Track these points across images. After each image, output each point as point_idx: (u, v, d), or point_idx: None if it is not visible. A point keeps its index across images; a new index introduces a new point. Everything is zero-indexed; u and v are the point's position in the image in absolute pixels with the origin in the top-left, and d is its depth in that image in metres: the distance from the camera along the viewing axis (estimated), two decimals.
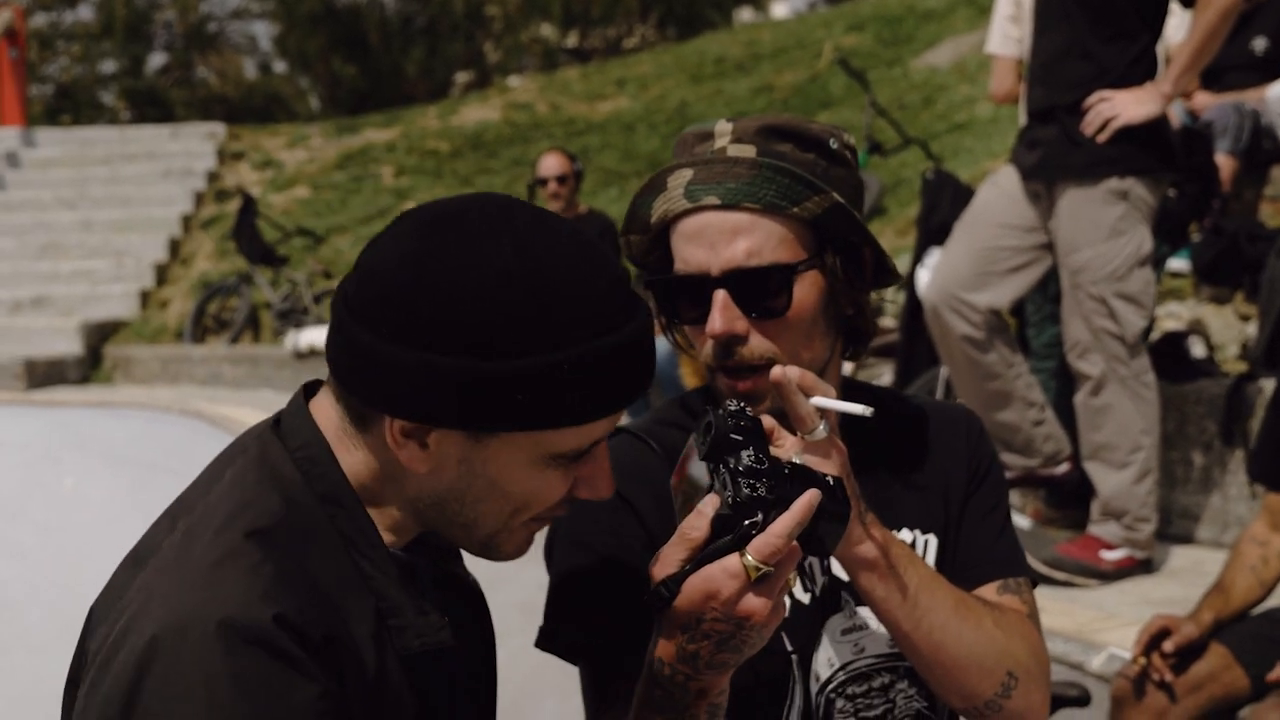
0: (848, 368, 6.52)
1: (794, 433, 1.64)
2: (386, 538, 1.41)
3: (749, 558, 1.42)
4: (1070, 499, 5.09)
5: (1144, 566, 4.66)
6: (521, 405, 1.30)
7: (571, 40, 27.57)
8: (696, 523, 1.45)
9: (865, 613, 1.78)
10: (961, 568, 1.85)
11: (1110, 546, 4.63)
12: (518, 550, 1.45)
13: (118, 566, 1.44)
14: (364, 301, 1.33)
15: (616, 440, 1.85)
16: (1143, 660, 3.27)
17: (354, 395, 1.36)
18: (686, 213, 1.72)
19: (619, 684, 1.72)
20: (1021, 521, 4.83)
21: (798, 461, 1.54)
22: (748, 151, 1.72)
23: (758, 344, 1.72)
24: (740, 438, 1.47)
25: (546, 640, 1.78)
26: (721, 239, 1.70)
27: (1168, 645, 3.24)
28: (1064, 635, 4.02)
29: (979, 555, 1.87)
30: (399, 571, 1.39)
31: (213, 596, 1.26)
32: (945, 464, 1.90)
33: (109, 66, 29.06)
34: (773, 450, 1.56)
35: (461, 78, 27.29)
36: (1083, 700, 2.91)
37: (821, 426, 1.63)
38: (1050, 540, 4.79)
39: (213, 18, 29.82)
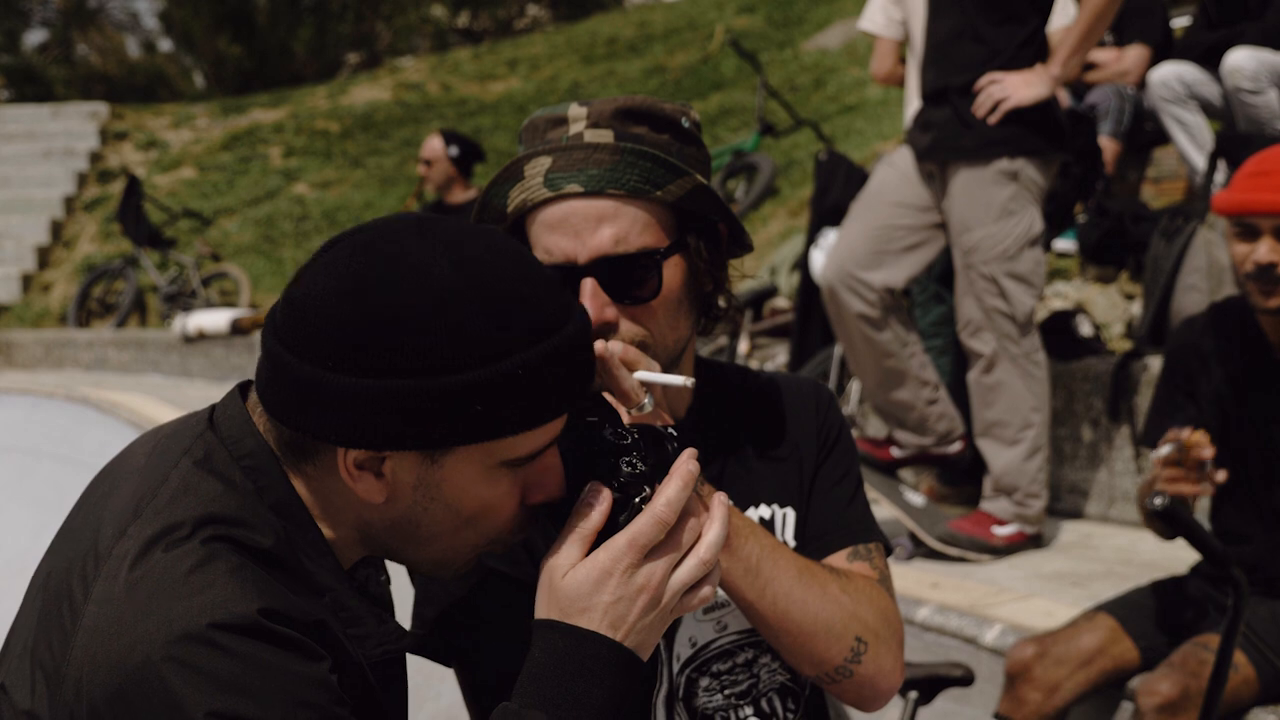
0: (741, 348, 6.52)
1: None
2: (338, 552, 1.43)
3: None
4: (963, 476, 5.16)
5: (1034, 541, 4.74)
6: (477, 417, 1.32)
7: (462, 20, 27.36)
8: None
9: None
10: (813, 537, 1.86)
11: (1001, 522, 4.70)
12: (467, 567, 1.46)
13: (45, 564, 1.40)
14: (304, 335, 1.32)
15: None
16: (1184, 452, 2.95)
17: (299, 431, 1.35)
18: (547, 201, 1.70)
19: (492, 681, 1.76)
20: (915, 498, 4.89)
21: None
22: (605, 136, 1.70)
23: (627, 330, 1.71)
24: (595, 418, 1.48)
25: (418, 647, 1.80)
26: (586, 227, 1.68)
27: (1199, 435, 2.94)
28: (958, 610, 4.08)
29: (829, 524, 1.88)
30: (352, 583, 1.41)
31: (199, 604, 1.25)
32: (797, 437, 1.91)
33: None
34: None
35: (352, 58, 26.96)
36: (966, 680, 2.94)
37: (647, 400, 1.63)
38: (943, 517, 4.85)
39: None
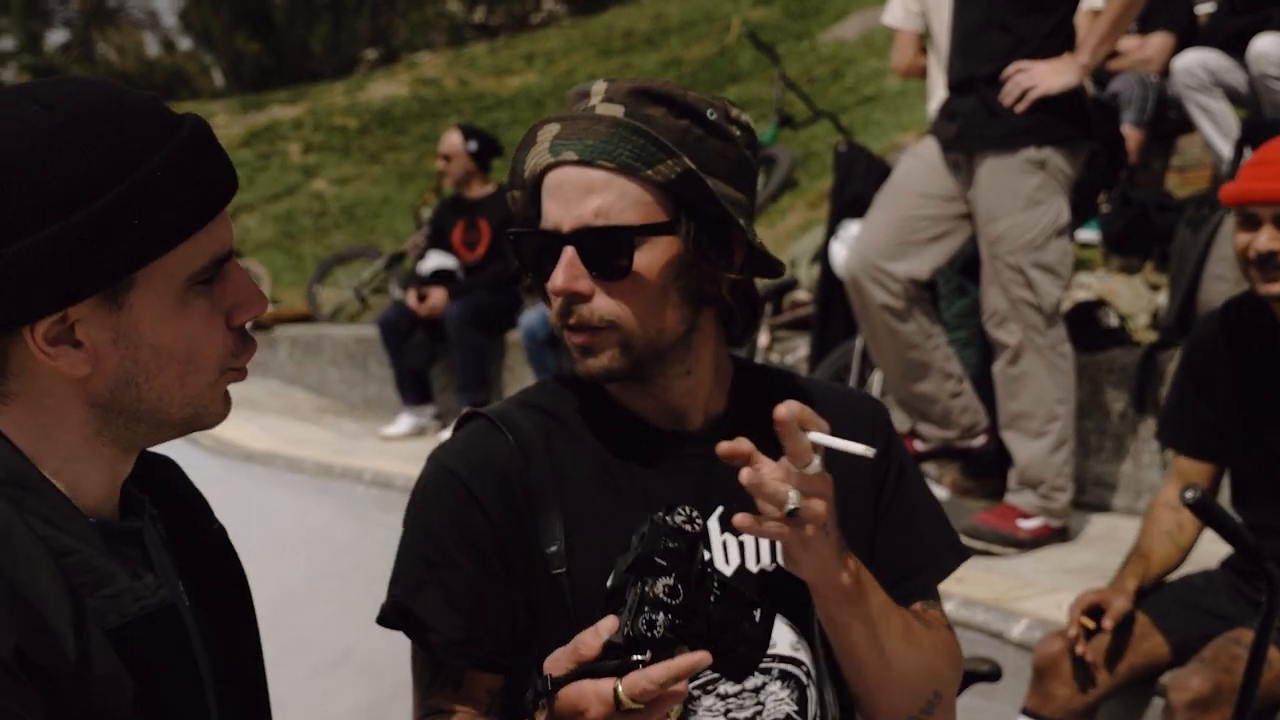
0: (763, 339, 6.50)
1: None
2: (87, 504, 1.35)
3: (620, 689, 1.45)
4: (987, 469, 5.12)
5: (1060, 535, 4.70)
6: (136, 233, 1.28)
7: (478, 15, 27.36)
8: (591, 640, 1.47)
9: None
10: (896, 578, 1.81)
11: (1027, 515, 4.66)
12: (224, 408, 1.42)
13: None
14: None
15: (472, 426, 1.83)
16: (1073, 633, 3.27)
17: None
18: (550, 167, 1.70)
19: (448, 668, 1.76)
20: (939, 492, 4.85)
21: (725, 574, 1.56)
22: (615, 111, 1.69)
23: (601, 304, 1.69)
24: (665, 562, 1.47)
25: (383, 619, 1.80)
26: (575, 195, 1.68)
27: (1106, 622, 3.26)
28: (983, 604, 4.04)
29: (917, 562, 1.84)
30: (105, 539, 1.33)
31: None
32: (846, 456, 1.81)
33: (7, 44, 28.45)
34: (751, 480, 1.57)
35: (369, 54, 26.98)
36: (993, 675, 2.90)
37: (815, 461, 1.59)
38: (967, 510, 4.82)
39: None
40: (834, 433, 1.79)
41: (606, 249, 1.68)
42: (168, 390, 1.35)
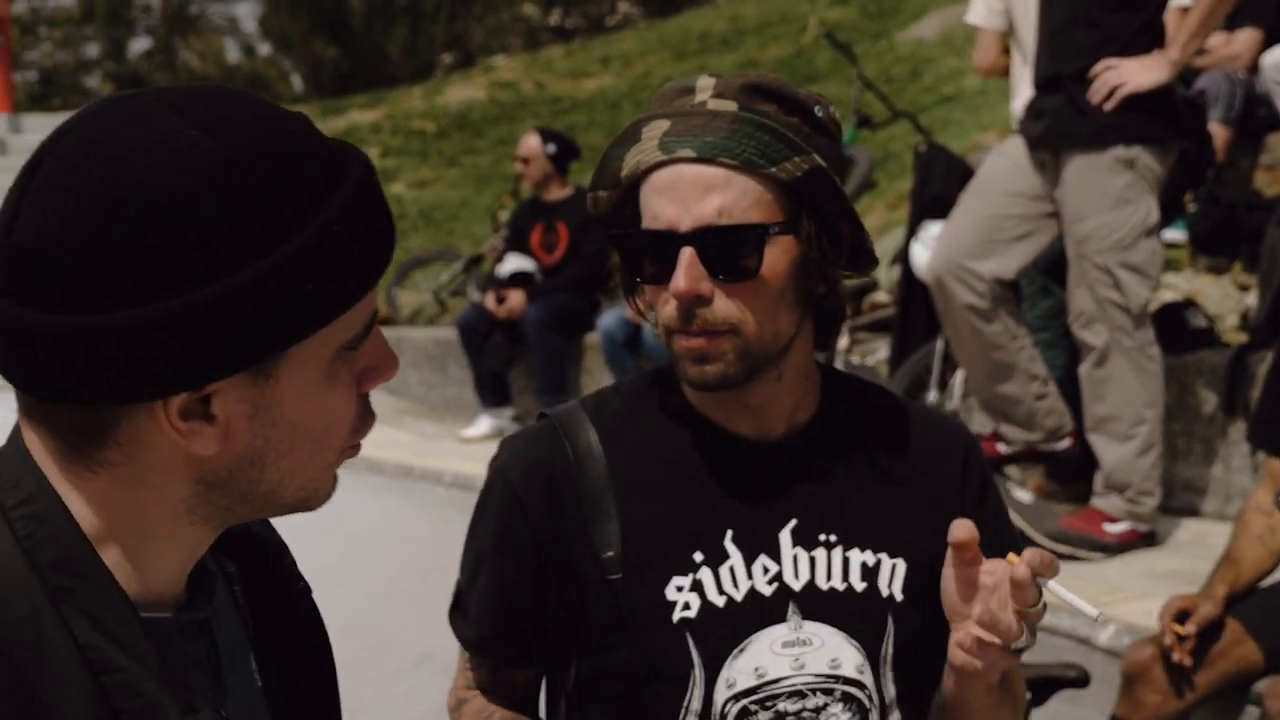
0: (842, 342, 6.47)
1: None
2: (152, 589, 1.13)
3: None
4: (1072, 472, 5.06)
5: (1147, 539, 4.64)
6: (307, 299, 1.07)
7: (554, 18, 27.48)
8: None
9: (813, 628, 1.69)
10: None
11: (1113, 519, 4.60)
12: (333, 489, 1.21)
13: None
14: (55, 283, 1.03)
15: (533, 430, 1.80)
16: (1169, 640, 3.22)
17: (90, 403, 1.06)
18: (659, 165, 1.63)
19: (497, 676, 1.79)
20: (1023, 495, 4.80)
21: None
22: (729, 107, 1.63)
23: (722, 307, 1.62)
24: None
25: (450, 619, 1.85)
26: (693, 194, 1.61)
27: (1190, 626, 3.20)
28: (1070, 609, 3.99)
29: None
30: (163, 640, 1.11)
31: None
32: (933, 485, 1.78)
33: (91, 51, 28.94)
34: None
35: (446, 58, 27.18)
36: (1081, 681, 2.86)
37: (1024, 638, 1.52)
38: (1053, 514, 4.76)
39: (194, 1, 29.69)
40: (923, 460, 1.77)
41: (731, 249, 1.62)
42: (292, 471, 1.15)
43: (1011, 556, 1.48)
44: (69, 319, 1.02)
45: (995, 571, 1.50)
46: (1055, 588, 1.50)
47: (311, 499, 1.18)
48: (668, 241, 1.62)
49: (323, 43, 26.47)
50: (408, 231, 13.36)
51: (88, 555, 1.08)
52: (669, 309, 1.64)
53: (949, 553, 1.53)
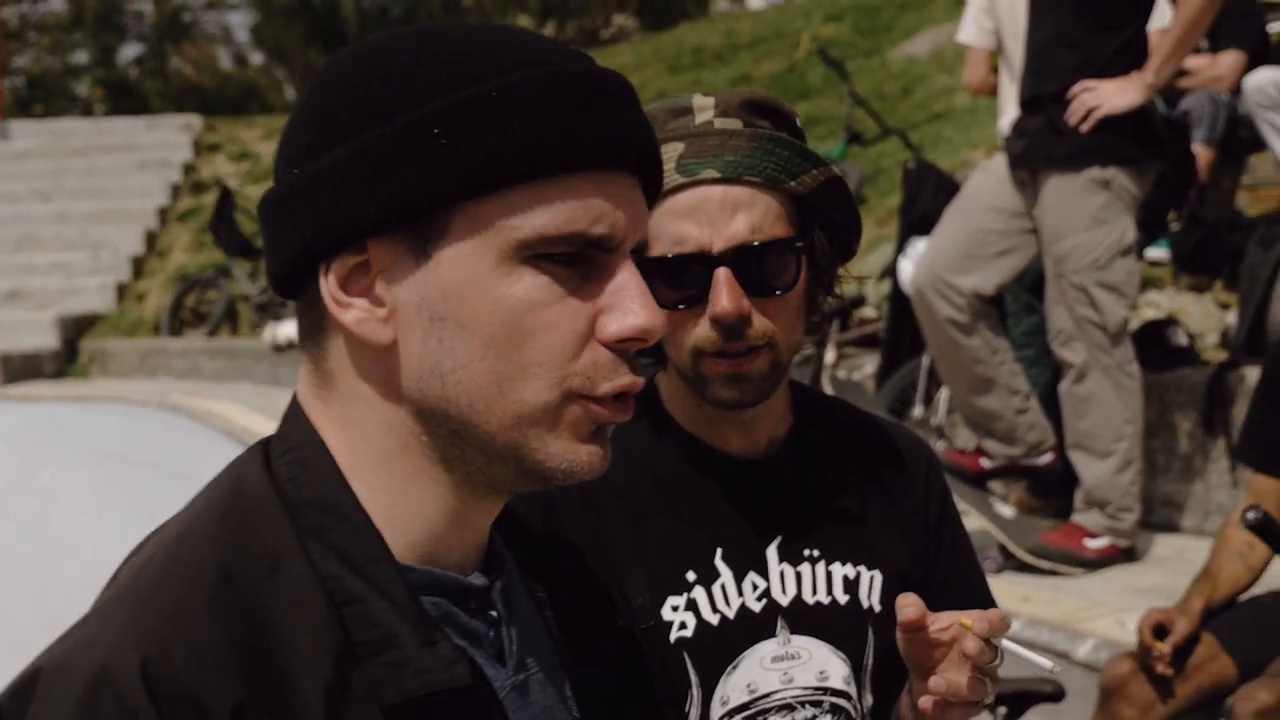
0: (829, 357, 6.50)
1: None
2: (403, 540, 1.08)
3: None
4: (1054, 488, 5.10)
5: (1127, 555, 4.67)
6: (442, 152, 1.01)
7: (549, 30, 27.52)
8: None
9: (801, 642, 1.70)
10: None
11: (1093, 535, 4.64)
12: (581, 452, 1.06)
13: None
14: (278, 161, 1.08)
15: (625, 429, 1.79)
16: (1158, 653, 3.24)
17: (278, 283, 1.09)
18: (680, 188, 1.62)
19: None
20: (1005, 510, 4.84)
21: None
22: (735, 124, 1.63)
23: (759, 324, 1.62)
24: None
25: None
26: (721, 214, 1.60)
27: (1166, 645, 3.24)
28: (1050, 624, 4.03)
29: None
30: (409, 592, 1.05)
31: (110, 638, 0.98)
32: (902, 496, 1.80)
33: (80, 57, 28.89)
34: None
35: None
36: (1057, 696, 2.88)
37: (997, 661, 1.50)
38: (1034, 529, 4.80)
39: (187, 8, 29.67)
40: (888, 472, 1.79)
41: (765, 266, 1.62)
42: (480, 392, 1.04)
43: (963, 620, 1.46)
44: (285, 187, 1.05)
45: (948, 627, 1.48)
46: (1011, 645, 1.51)
47: (533, 447, 1.06)
48: (700, 263, 1.62)
49: (316, 52, 26.46)
50: None
51: (343, 496, 1.07)
52: (702, 331, 1.62)
53: (899, 628, 1.50)
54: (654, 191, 1.12)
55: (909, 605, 1.46)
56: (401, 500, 1.08)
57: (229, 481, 1.09)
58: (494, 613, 1.14)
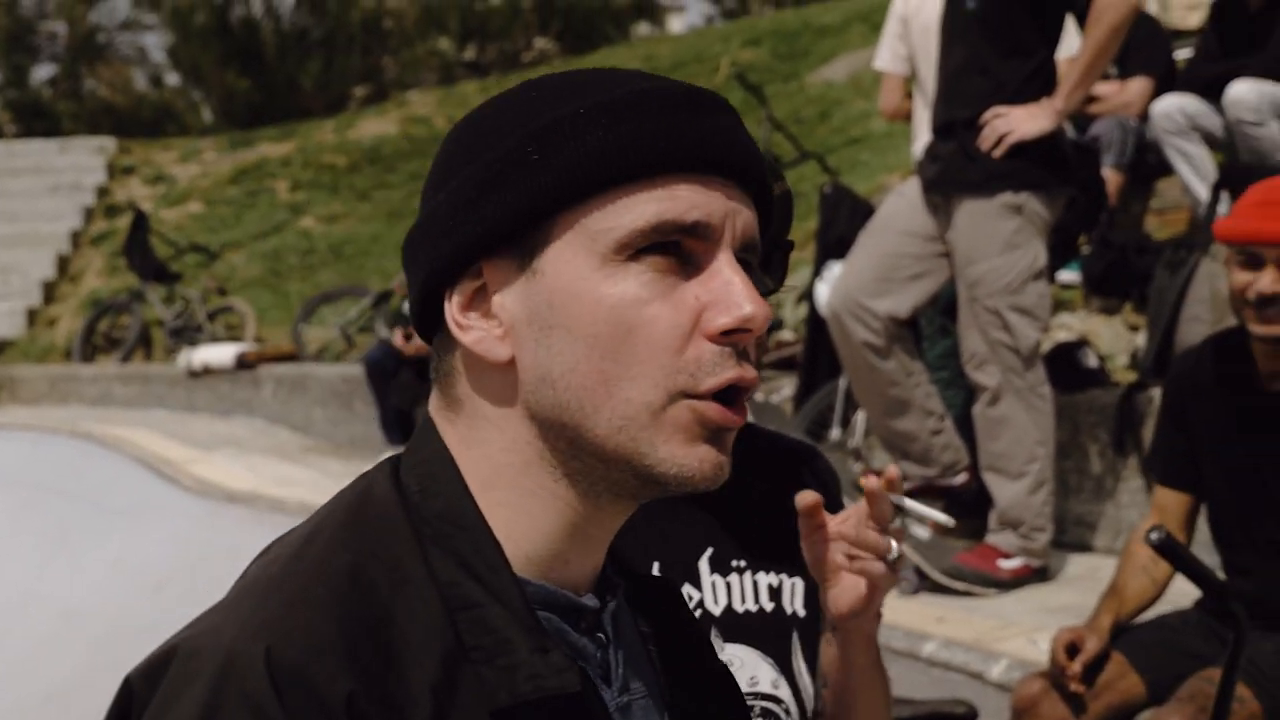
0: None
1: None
2: (520, 551, 1.11)
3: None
4: (968, 509, 5.14)
5: (1040, 575, 4.72)
6: (541, 167, 1.07)
7: (469, 54, 27.46)
8: None
9: (733, 650, 1.75)
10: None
11: (1007, 555, 4.68)
12: (692, 457, 1.08)
13: None
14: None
15: None
16: (1072, 672, 3.27)
17: (420, 318, 1.16)
18: None
19: None
20: (920, 531, 4.87)
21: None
22: None
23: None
24: None
25: None
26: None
27: (1077, 663, 3.27)
28: (963, 645, 4.06)
29: None
30: (524, 601, 1.09)
31: (236, 626, 1.03)
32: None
33: None
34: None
35: (358, 92, 27.06)
36: (970, 717, 2.92)
37: (895, 548, 1.54)
38: (949, 550, 4.84)
39: (102, 28, 29.33)
40: (790, 481, 1.81)
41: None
42: (588, 394, 1.07)
43: (861, 481, 1.53)
44: (418, 227, 1.14)
45: (846, 518, 1.55)
46: (906, 501, 1.56)
47: (643, 451, 1.08)
48: None
49: (234, 74, 26.25)
50: (317, 266, 13.28)
51: (468, 509, 1.11)
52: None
53: (800, 522, 1.57)
54: (764, 205, 1.17)
55: (805, 495, 1.54)
56: (523, 515, 1.12)
57: (357, 490, 1.15)
58: (602, 635, 1.16)
